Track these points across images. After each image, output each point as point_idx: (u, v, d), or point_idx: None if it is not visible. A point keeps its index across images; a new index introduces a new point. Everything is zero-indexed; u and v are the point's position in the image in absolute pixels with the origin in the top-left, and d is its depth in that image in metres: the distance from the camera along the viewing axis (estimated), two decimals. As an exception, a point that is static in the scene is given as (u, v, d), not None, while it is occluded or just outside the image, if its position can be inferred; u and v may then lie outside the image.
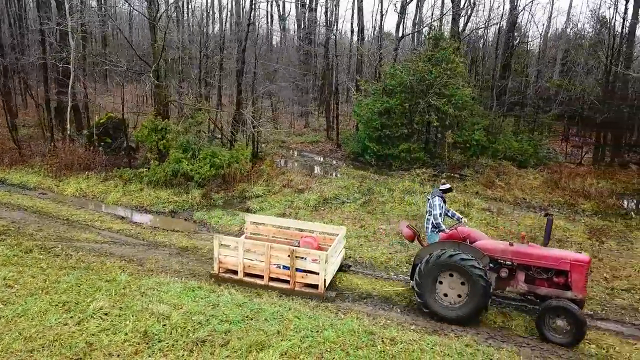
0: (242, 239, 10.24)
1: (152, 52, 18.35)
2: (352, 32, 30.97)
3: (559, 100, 27.35)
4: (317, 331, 7.95)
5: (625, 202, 18.75)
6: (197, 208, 15.64)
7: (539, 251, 8.64)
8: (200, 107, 18.91)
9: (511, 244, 8.81)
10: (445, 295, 8.68)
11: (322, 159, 25.72)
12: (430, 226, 9.58)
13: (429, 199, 9.76)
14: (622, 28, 24.79)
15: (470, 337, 8.25)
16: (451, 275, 8.52)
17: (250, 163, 19.75)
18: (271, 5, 42.90)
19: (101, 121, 21.71)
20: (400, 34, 25.75)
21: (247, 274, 9.96)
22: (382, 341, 7.78)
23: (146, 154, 18.17)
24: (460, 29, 27.62)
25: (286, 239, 11.14)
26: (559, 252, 8.68)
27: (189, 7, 30.09)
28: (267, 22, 46.26)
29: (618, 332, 8.90)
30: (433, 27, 22.50)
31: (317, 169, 23.56)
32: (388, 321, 8.82)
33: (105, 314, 8.09)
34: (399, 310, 9.41)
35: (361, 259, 11.84)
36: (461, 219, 9.90)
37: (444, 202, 9.71)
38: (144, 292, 9.06)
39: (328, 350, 7.41)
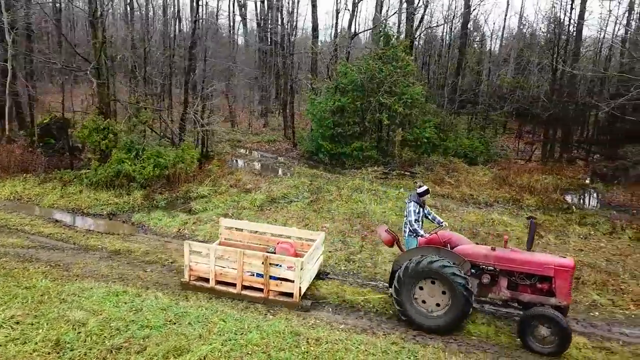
0: (213, 246, 9.78)
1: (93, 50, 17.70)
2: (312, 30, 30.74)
3: (511, 98, 27.90)
4: (242, 334, 7.73)
5: (569, 197, 19.17)
6: (138, 210, 15.17)
7: (522, 256, 8.27)
8: (144, 106, 18.37)
9: (493, 249, 8.43)
10: (424, 302, 8.29)
11: (276, 159, 25.45)
12: (407, 230, 9.16)
13: (406, 202, 9.39)
14: (569, 27, 25.40)
15: (398, 335, 8.18)
16: (433, 283, 8.13)
17: (199, 163, 19.36)
18: (233, 4, 42.44)
19: (45, 121, 20.92)
20: (353, 32, 25.69)
21: (219, 282, 9.51)
22: (307, 342, 7.62)
23: (88, 154, 17.55)
24: (415, 27, 27.87)
25: (262, 245, 10.58)
26: (542, 257, 8.30)
27: (149, 5, 29.33)
28: (230, 20, 45.85)
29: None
30: (384, 26, 22.46)
31: (269, 169, 23.30)
32: (317, 321, 8.69)
33: (17, 323, 7.67)
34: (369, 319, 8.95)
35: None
36: (442, 222, 9.44)
37: (422, 205, 9.22)
38: (63, 299, 8.66)
39: (249, 353, 7.20)
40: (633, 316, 9.29)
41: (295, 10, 30.87)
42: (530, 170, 22.72)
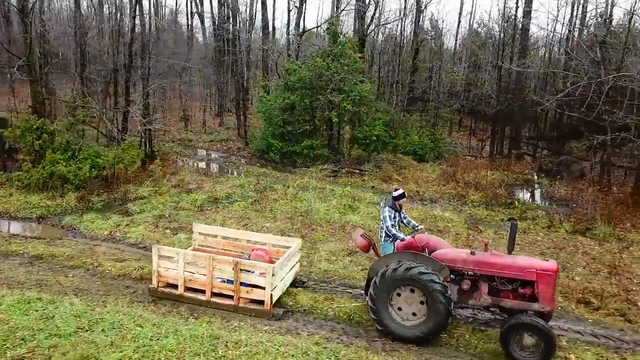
0: (182, 250, 9.33)
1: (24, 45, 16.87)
2: (263, 27, 30.36)
3: (462, 96, 28.27)
4: (158, 339, 7.35)
5: (514, 192, 19.48)
6: (71, 212, 14.52)
7: (503, 260, 7.87)
8: (81, 105, 17.65)
9: (472, 253, 8.04)
10: (401, 309, 7.87)
11: (227, 158, 24.99)
12: (383, 235, 8.87)
13: (381, 207, 9.09)
14: (514, 25, 25.87)
15: (322, 335, 8.00)
16: (412, 291, 7.72)
17: (142, 163, 18.78)
18: (190, 2, 41.72)
19: (-22, 122, 19.92)
20: (302, 30, 25.48)
21: (188, 289, 9.06)
22: (226, 345, 7.32)
23: (20, 155, 16.72)
24: (367, 25, 27.87)
25: (237, 251, 10.14)
26: (524, 261, 7.92)
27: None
28: (187, 18, 45.09)
29: (473, 319, 8.97)
30: (332, 23, 22.32)
31: (217, 168, 22.86)
32: (242, 323, 8.43)
33: None
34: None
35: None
36: (417, 227, 9.16)
37: (398, 210, 8.97)
38: (-32, 309, 8.11)
39: (162, 359, 6.88)
40: (560, 308, 9.36)
41: (250, 8, 30.42)
42: (479, 166, 23.03)
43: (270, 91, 23.85)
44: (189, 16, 46.30)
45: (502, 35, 25.28)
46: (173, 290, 9.10)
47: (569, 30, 25.82)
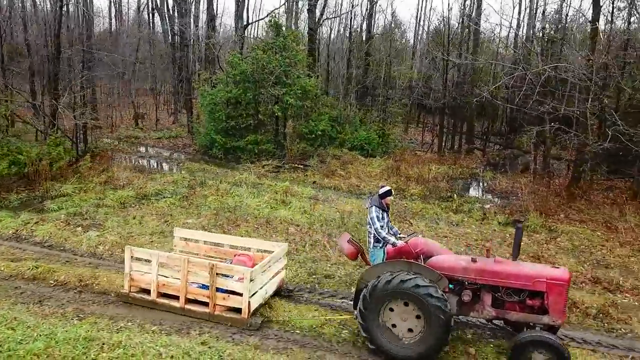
0: (156, 252, 8.59)
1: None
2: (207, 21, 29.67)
3: (415, 92, 28.15)
4: (26, 342, 6.78)
5: (456, 186, 19.36)
6: (-19, 211, 13.66)
7: (508, 268, 7.00)
8: (3, 98, 16.73)
9: (474, 260, 7.13)
10: (395, 326, 6.96)
11: (170, 155, 24.24)
12: (372, 240, 7.79)
13: (367, 208, 7.91)
14: (462, 20, 25.87)
15: (212, 335, 7.51)
16: (406, 305, 6.83)
17: (74, 160, 17.97)
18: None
19: None
20: (245, 22, 24.93)
21: (161, 295, 8.34)
22: (101, 347, 6.77)
23: None
24: (317, 19, 27.47)
25: (219, 258, 9.35)
26: (532, 269, 7.10)
27: None
28: (148, 15, 44.24)
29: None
30: (275, 16, 21.86)
31: (157, 165, 22.13)
32: (129, 323, 7.87)
33: None
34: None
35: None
36: (398, 236, 8.11)
37: (385, 209, 7.92)
38: None
39: (26, 364, 6.31)
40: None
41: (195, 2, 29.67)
42: (426, 161, 22.89)
43: (215, 86, 23.16)
44: (149, 14, 45.51)
45: (447, 30, 25.22)
46: (146, 296, 8.37)
47: (516, 27, 25.92)
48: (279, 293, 8.94)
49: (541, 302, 6.85)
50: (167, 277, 8.32)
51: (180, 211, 13.89)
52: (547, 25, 21.47)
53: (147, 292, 8.39)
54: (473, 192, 19.10)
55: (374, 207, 7.71)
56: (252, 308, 7.91)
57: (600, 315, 8.72)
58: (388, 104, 25.44)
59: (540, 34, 19.44)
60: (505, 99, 20.15)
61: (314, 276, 10.12)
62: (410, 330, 6.89)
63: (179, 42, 29.81)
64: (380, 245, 7.70)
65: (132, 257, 8.45)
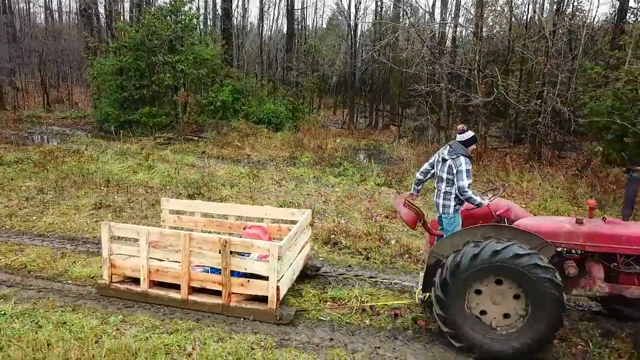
0: (145, 227, 6.36)
1: None
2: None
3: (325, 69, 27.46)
4: None
5: (357, 155, 18.75)
6: None
7: (627, 231, 5.34)
8: None
9: (579, 221, 5.44)
10: (483, 312, 5.22)
11: (63, 131, 22.60)
12: (451, 202, 5.91)
13: (444, 159, 5.89)
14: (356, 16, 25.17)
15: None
16: (499, 283, 5.12)
17: None
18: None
19: None
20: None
21: (155, 284, 6.32)
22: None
23: None
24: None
25: (223, 233, 7.47)
26: None
27: None
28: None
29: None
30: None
31: (40, 139, 20.55)
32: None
33: None
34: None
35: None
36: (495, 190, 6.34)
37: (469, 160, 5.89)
38: None
39: None
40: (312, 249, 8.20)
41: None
42: (336, 135, 22.28)
43: (107, 56, 21.69)
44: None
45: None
46: (133, 287, 6.33)
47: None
48: (304, 273, 7.01)
49: None
50: (162, 260, 6.34)
51: (26, 175, 12.56)
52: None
53: (135, 281, 6.36)
54: (369, 160, 18.43)
55: (461, 156, 5.74)
56: (281, 295, 5.98)
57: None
58: (300, 79, 24.56)
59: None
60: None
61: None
62: (506, 316, 5.19)
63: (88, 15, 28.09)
64: (459, 207, 5.97)
65: (111, 236, 6.35)
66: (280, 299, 5.93)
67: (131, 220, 9.41)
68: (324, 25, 36.31)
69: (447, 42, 17.62)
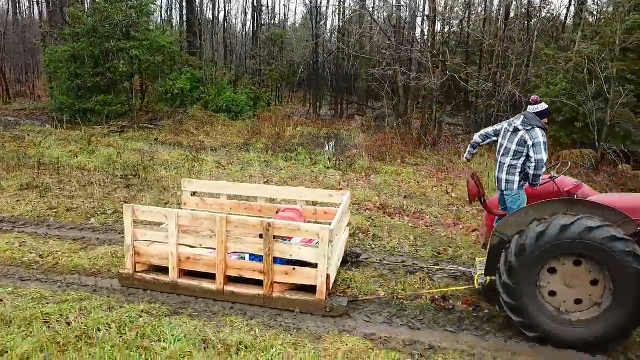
0: (174, 210, 5.75)
1: None
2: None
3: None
4: None
5: (316, 142, 18.53)
6: None
7: None
8: None
9: None
10: (553, 294, 4.72)
11: (17, 121, 21.89)
12: (515, 178, 5.35)
13: (516, 129, 5.32)
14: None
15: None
16: (577, 264, 4.62)
17: None
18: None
19: None
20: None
21: (185, 273, 5.73)
22: None
23: None
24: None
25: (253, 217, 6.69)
26: None
27: None
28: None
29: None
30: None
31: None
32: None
33: None
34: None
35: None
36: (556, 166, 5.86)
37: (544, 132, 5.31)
38: None
39: None
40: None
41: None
42: (298, 124, 22.04)
43: (59, 43, 21.08)
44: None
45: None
46: (161, 277, 5.70)
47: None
48: (344, 260, 6.53)
49: None
50: (193, 247, 5.73)
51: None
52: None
53: (163, 270, 5.75)
54: (326, 146, 18.23)
55: (538, 129, 5.17)
56: (331, 283, 5.47)
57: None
58: (261, 70, 24.26)
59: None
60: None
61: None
62: (578, 302, 4.69)
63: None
64: (524, 183, 5.42)
65: (135, 219, 5.67)
66: (330, 288, 5.37)
67: (55, 200, 9.04)
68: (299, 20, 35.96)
69: (405, 26, 17.44)
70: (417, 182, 11.42)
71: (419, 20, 21.09)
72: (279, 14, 38.94)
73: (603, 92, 13.03)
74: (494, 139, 5.72)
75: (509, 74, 14.83)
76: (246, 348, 4.42)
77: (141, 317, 4.95)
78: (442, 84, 14.48)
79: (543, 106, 5.36)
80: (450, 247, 7.39)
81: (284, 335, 4.74)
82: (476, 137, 5.88)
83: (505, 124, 5.58)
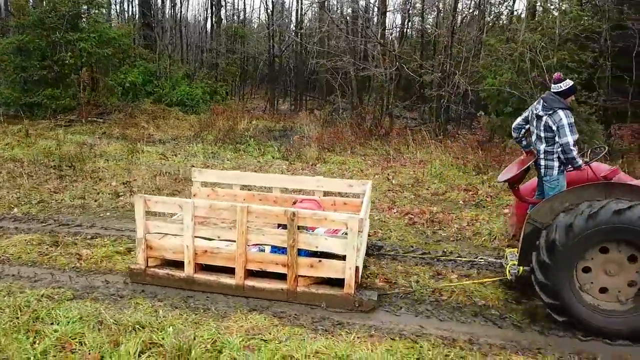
0: (189, 200, 5.39)
1: None
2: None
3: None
4: None
5: (271, 135, 18.38)
6: None
7: None
8: None
9: None
10: (592, 283, 4.59)
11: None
12: (554, 163, 5.10)
13: (538, 116, 5.10)
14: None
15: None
16: (604, 252, 4.49)
17: None
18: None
19: None
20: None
21: (201, 267, 5.34)
22: None
23: None
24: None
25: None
26: None
27: None
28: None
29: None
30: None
31: None
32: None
33: None
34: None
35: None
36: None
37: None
38: None
39: None
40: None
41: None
42: (254, 118, 21.87)
43: (3, 35, 20.35)
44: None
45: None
46: (175, 272, 5.32)
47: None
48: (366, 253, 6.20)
49: None
50: (211, 239, 5.33)
51: None
52: None
53: (177, 264, 5.36)
54: (277, 138, 18.14)
55: (560, 110, 4.91)
56: (359, 277, 5.18)
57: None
58: (220, 61, 23.96)
59: None
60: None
61: None
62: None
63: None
64: (564, 168, 5.15)
65: (147, 210, 5.28)
66: (358, 281, 5.07)
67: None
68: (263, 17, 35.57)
69: (360, 19, 17.43)
70: (361, 170, 11.43)
71: (376, 12, 21.26)
72: (242, 10, 38.64)
73: (546, 82, 13.29)
74: (527, 126, 5.42)
75: (457, 64, 14.98)
76: (143, 327, 4.27)
77: (40, 301, 4.74)
78: (394, 76, 14.50)
79: (567, 84, 5.05)
80: (381, 230, 7.38)
81: (188, 314, 4.62)
82: (513, 133, 5.57)
83: (529, 111, 5.35)
